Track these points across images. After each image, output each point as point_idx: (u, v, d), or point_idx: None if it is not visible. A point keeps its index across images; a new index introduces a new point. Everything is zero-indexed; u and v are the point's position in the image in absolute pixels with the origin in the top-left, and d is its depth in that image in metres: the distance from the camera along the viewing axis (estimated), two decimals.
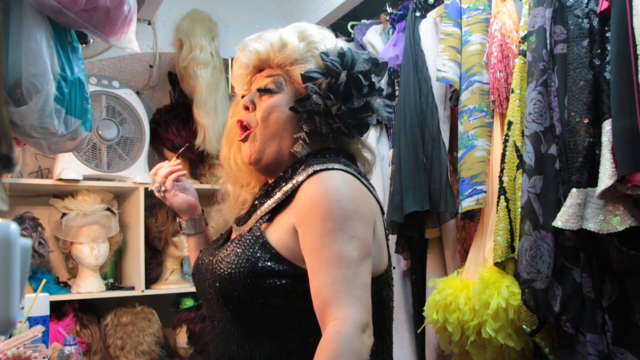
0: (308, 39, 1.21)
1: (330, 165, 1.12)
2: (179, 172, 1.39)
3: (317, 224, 1.04)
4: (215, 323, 1.18)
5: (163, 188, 1.38)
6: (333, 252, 1.02)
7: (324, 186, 1.08)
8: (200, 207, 1.44)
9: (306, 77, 1.17)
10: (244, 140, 1.24)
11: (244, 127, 1.24)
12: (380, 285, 1.14)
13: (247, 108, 1.24)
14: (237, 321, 1.12)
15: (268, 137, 1.20)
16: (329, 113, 1.16)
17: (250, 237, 1.12)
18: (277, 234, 1.11)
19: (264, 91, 1.22)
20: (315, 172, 1.11)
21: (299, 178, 1.13)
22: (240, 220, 1.26)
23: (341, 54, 1.18)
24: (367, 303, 1.01)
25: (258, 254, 1.09)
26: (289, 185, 1.14)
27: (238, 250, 1.11)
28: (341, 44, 1.24)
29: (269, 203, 1.17)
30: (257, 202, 1.24)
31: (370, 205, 1.12)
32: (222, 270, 1.11)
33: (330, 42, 1.23)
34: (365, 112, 1.18)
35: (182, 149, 1.60)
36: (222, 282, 1.10)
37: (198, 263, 1.26)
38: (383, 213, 1.21)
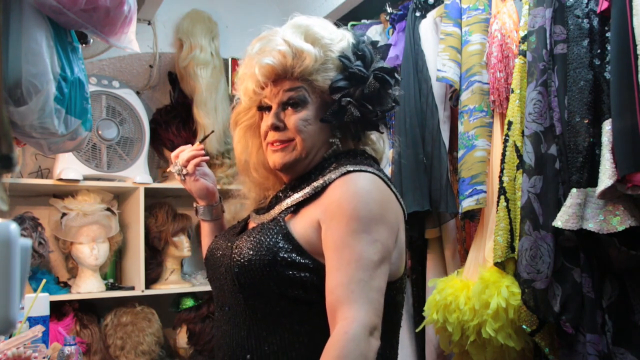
0: (320, 42, 1.18)
1: (363, 168, 1.13)
2: (202, 157, 1.38)
3: (343, 223, 1.05)
4: (226, 309, 1.18)
5: (184, 172, 1.37)
6: (354, 253, 1.03)
7: (355, 187, 1.09)
8: (218, 194, 1.44)
9: (335, 89, 1.16)
10: (282, 149, 1.20)
11: (284, 142, 1.20)
12: (396, 291, 1.16)
13: (277, 128, 1.20)
14: (250, 309, 1.12)
15: (308, 150, 1.20)
16: (364, 119, 1.18)
17: (273, 227, 1.13)
18: (300, 226, 1.12)
19: (290, 105, 1.19)
20: (348, 172, 1.12)
21: (332, 176, 1.14)
22: (261, 211, 1.27)
23: (361, 56, 1.18)
24: (378, 306, 1.02)
25: (280, 244, 1.09)
26: (320, 182, 1.15)
27: (260, 238, 1.12)
28: (347, 35, 1.23)
29: (297, 196, 1.17)
30: (281, 194, 1.24)
31: (396, 211, 1.14)
32: (242, 257, 1.11)
33: (339, 37, 1.21)
34: (393, 106, 1.21)
35: (208, 135, 1.59)
36: (241, 268, 1.11)
37: (212, 248, 1.26)
38: (406, 220, 1.22)
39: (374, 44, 1.22)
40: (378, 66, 1.18)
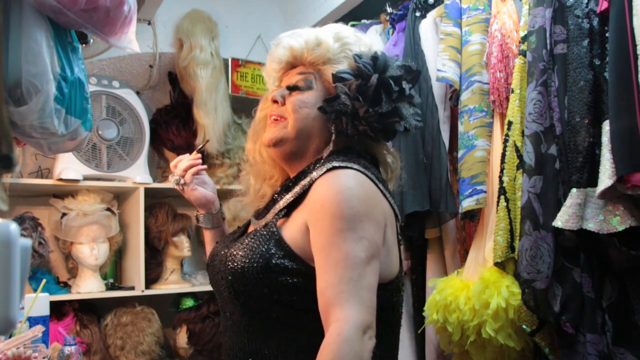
0: (343, 40, 1.22)
1: (348, 164, 1.12)
2: (199, 167, 1.39)
3: (327, 223, 1.05)
4: (227, 315, 1.18)
5: (182, 181, 1.39)
6: (341, 252, 1.02)
7: (337, 185, 1.08)
8: (219, 202, 1.45)
9: (337, 77, 1.18)
10: (274, 125, 1.24)
11: (276, 119, 1.24)
12: (391, 292, 1.15)
13: (276, 101, 1.25)
14: (248, 315, 1.13)
15: (298, 131, 1.21)
16: (356, 115, 1.16)
17: (265, 233, 1.13)
18: (291, 230, 1.12)
19: (293, 88, 1.23)
20: (333, 168, 1.11)
21: (318, 173, 1.14)
22: (259, 215, 1.27)
23: (374, 57, 1.18)
24: (370, 304, 1.01)
25: (272, 250, 1.09)
26: (307, 180, 1.15)
27: (253, 244, 1.12)
28: (376, 47, 1.25)
29: (287, 197, 1.17)
30: (277, 196, 1.25)
31: (381, 208, 1.12)
32: (235, 264, 1.11)
33: (365, 45, 1.24)
34: (392, 117, 1.17)
35: (204, 144, 1.61)
36: (234, 275, 1.11)
37: (212, 254, 1.27)
38: (398, 219, 1.21)
39: (407, 67, 1.21)
40: (390, 74, 1.17)
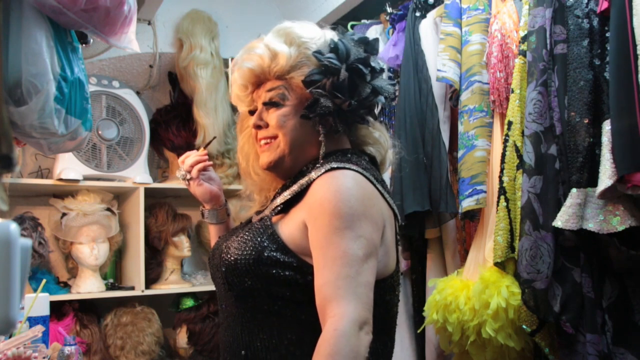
0: (296, 41, 1.21)
1: (347, 165, 1.13)
2: (205, 163, 1.42)
3: (325, 222, 1.06)
4: (223, 307, 1.21)
5: (188, 176, 1.41)
6: (338, 250, 1.04)
7: (335, 185, 1.10)
8: (224, 197, 1.47)
9: (308, 82, 1.18)
10: (268, 148, 1.24)
11: (267, 143, 1.25)
12: (384, 290, 1.16)
13: (259, 127, 1.25)
14: (241, 306, 1.15)
15: (290, 144, 1.22)
16: (340, 111, 1.18)
17: (260, 226, 1.15)
18: (288, 227, 1.14)
19: (270, 105, 1.23)
20: (332, 169, 1.13)
21: (316, 173, 1.15)
22: (260, 212, 1.30)
23: (334, 48, 1.19)
24: (367, 301, 1.02)
25: (265, 243, 1.11)
26: (305, 179, 1.17)
27: (247, 237, 1.14)
28: (329, 35, 1.24)
29: (285, 194, 1.19)
30: (277, 194, 1.26)
31: (380, 208, 1.13)
32: (229, 256, 1.14)
33: (318, 37, 1.23)
34: (373, 96, 1.20)
35: (211, 141, 1.62)
36: (227, 267, 1.13)
37: (214, 248, 1.29)
38: (397, 220, 1.23)
39: (362, 39, 1.23)
40: (354, 57, 1.19)
